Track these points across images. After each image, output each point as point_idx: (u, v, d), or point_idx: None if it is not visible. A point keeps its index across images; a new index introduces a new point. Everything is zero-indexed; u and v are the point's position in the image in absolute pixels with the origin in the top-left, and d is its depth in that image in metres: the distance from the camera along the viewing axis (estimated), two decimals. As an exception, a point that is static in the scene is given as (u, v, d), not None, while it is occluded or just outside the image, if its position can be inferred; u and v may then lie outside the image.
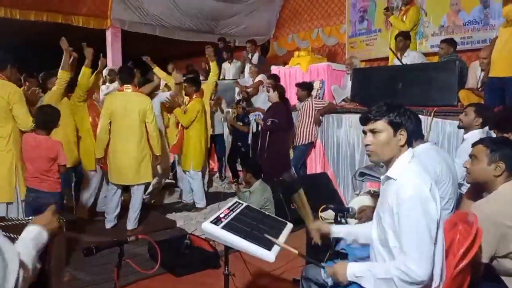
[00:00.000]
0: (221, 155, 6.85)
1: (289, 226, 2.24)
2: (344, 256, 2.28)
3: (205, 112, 5.30)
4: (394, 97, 4.64)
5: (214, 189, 6.26)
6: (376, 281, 1.74)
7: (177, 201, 5.61)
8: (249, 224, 2.06)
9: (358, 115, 4.59)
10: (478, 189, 2.30)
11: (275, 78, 5.96)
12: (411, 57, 5.29)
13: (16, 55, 3.93)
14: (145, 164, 4.32)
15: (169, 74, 6.13)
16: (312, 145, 5.61)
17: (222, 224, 1.97)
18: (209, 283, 3.25)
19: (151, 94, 5.18)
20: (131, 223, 4.36)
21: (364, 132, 1.87)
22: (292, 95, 5.85)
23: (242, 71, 7.94)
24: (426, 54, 6.10)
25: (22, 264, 1.16)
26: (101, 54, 4.77)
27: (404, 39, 5.33)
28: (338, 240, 2.32)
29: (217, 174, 7.00)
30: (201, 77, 7.20)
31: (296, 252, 1.96)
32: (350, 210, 2.57)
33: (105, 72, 6.64)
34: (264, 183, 4.55)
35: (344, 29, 8.50)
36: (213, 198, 5.48)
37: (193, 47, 9.44)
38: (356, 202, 2.90)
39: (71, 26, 7.37)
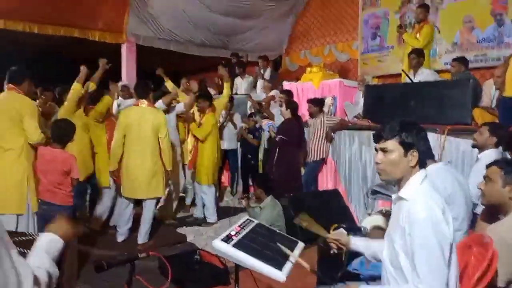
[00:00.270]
0: (234, 170, 6.86)
1: (301, 245, 2.22)
2: (356, 277, 2.26)
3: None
4: (407, 114, 4.62)
5: (225, 204, 6.26)
6: None
7: (188, 215, 5.62)
8: (260, 243, 2.04)
9: (370, 132, 4.59)
10: (493, 210, 2.27)
11: (288, 94, 5.98)
12: (424, 75, 5.26)
13: (32, 68, 4.00)
14: (157, 179, 4.35)
15: (181, 87, 6.21)
16: (323, 161, 5.58)
17: (233, 242, 1.95)
18: (218, 300, 3.23)
19: (169, 106, 5.24)
20: (142, 237, 4.37)
21: (376, 150, 1.86)
22: (303, 111, 5.85)
23: (255, 86, 8.00)
24: (439, 72, 6.08)
25: (36, 280, 1.17)
26: (82, 67, 4.57)
27: (417, 57, 5.30)
28: (350, 259, 2.30)
29: (229, 189, 7.00)
30: (213, 92, 7.27)
31: (308, 266, 1.94)
32: (362, 229, 2.55)
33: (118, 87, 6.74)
34: (275, 199, 4.53)
35: (356, 46, 8.53)
36: (223, 213, 5.47)
37: (206, 61, 9.56)
38: (368, 221, 2.87)
39: (87, 40, 7.54)
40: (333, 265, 2.15)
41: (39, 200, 3.46)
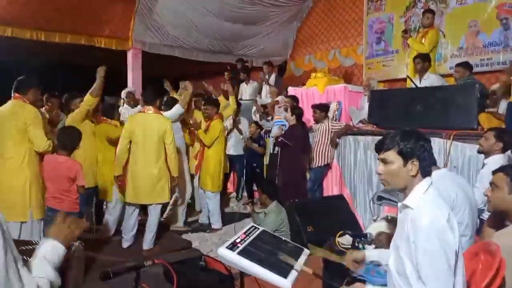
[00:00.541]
0: (239, 176, 6.87)
1: (306, 252, 2.22)
2: (362, 283, 2.24)
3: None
4: (412, 119, 4.60)
5: (230, 210, 6.26)
6: None
7: (193, 221, 5.62)
8: (265, 250, 2.04)
9: (375, 137, 4.58)
10: (500, 217, 2.25)
11: (294, 99, 5.99)
12: (430, 80, 5.23)
13: (39, 75, 4.03)
14: (162, 184, 4.36)
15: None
16: (328, 167, 5.57)
17: (238, 250, 1.95)
18: (223, 306, 3.21)
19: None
20: (147, 243, 4.38)
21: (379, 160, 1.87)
22: (308, 117, 5.85)
23: (259, 92, 8.02)
24: (444, 76, 6.05)
25: None
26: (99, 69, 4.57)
27: (422, 61, 5.26)
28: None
29: (234, 194, 7.01)
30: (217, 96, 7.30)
31: (311, 272, 1.94)
32: (368, 236, 2.54)
33: (123, 94, 6.79)
34: (279, 204, 4.53)
35: (361, 50, 8.52)
36: (228, 219, 5.47)
37: (212, 67, 9.62)
38: (374, 227, 2.85)
39: (93, 47, 7.60)
40: (338, 272, 2.14)
41: (46, 207, 3.49)
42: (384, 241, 2.56)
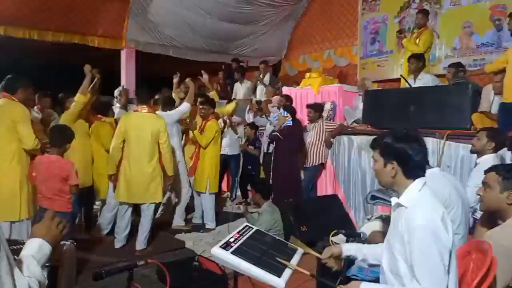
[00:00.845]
0: (234, 176, 6.85)
1: (300, 251, 2.22)
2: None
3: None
4: (406, 119, 4.63)
5: (224, 209, 6.24)
6: None
7: (188, 219, 5.59)
8: (259, 250, 2.04)
9: (369, 137, 4.59)
10: (492, 216, 2.27)
11: (287, 98, 5.99)
12: (425, 80, 5.25)
13: (32, 75, 3.99)
14: (156, 184, 4.33)
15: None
16: (322, 166, 5.59)
17: (232, 249, 1.95)
18: (217, 306, 3.21)
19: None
20: (140, 243, 4.35)
21: None
22: (303, 116, 5.86)
23: (254, 91, 8.01)
24: (438, 76, 6.07)
25: None
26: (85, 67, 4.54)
27: (416, 62, 5.29)
28: (349, 265, 2.30)
29: (227, 194, 6.99)
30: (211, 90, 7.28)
31: (308, 273, 1.93)
32: (361, 235, 2.55)
33: (116, 92, 6.76)
34: (273, 204, 4.53)
35: (355, 50, 8.54)
36: (222, 219, 5.46)
37: (207, 66, 9.57)
38: (367, 227, 2.87)
39: (87, 46, 7.56)
40: (332, 272, 2.14)
41: (38, 207, 3.46)
42: (378, 240, 2.57)
